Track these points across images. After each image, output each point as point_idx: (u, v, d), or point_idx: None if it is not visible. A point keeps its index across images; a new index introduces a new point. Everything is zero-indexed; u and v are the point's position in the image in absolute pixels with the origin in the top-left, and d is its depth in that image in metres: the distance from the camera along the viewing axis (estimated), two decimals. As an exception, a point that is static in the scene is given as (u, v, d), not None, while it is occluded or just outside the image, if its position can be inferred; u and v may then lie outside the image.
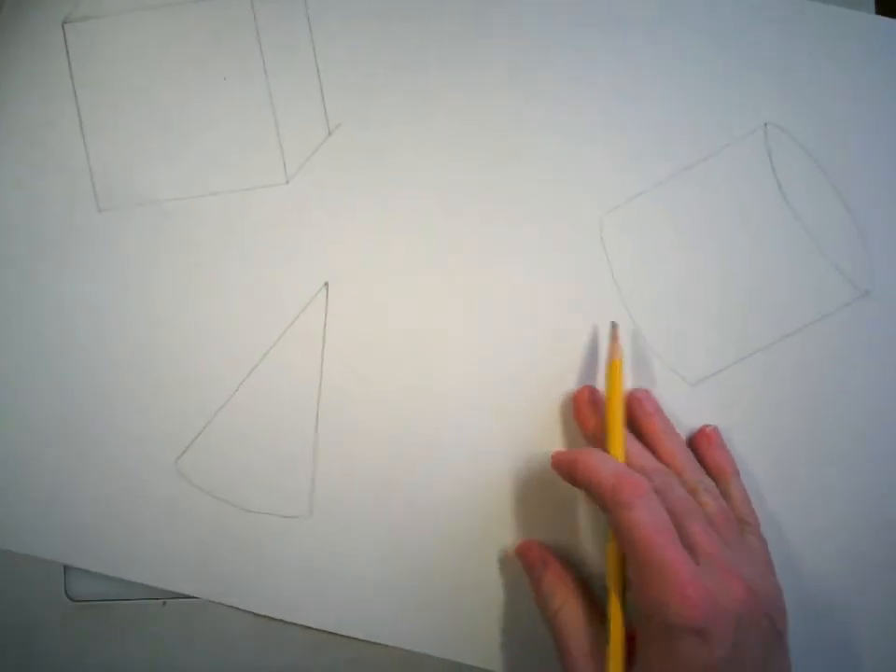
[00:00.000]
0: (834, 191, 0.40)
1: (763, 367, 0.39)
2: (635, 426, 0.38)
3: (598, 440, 0.37)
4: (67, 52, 0.39)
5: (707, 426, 0.39)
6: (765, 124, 0.40)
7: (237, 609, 0.38)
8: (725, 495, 0.37)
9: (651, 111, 0.40)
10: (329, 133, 0.39)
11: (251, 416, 0.39)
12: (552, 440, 0.39)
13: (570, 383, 0.39)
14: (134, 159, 0.39)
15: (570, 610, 0.35)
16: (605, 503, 0.33)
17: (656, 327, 0.39)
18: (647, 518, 0.32)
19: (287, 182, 0.39)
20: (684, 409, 0.39)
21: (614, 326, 0.38)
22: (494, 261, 0.39)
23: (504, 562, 0.39)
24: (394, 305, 0.39)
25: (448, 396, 0.39)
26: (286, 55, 0.39)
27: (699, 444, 0.38)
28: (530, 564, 0.37)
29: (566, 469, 0.35)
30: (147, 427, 0.38)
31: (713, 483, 0.36)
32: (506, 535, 0.39)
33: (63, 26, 0.39)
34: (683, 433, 0.39)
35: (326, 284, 0.39)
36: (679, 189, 0.40)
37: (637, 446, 0.36)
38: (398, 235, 0.39)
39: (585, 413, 0.38)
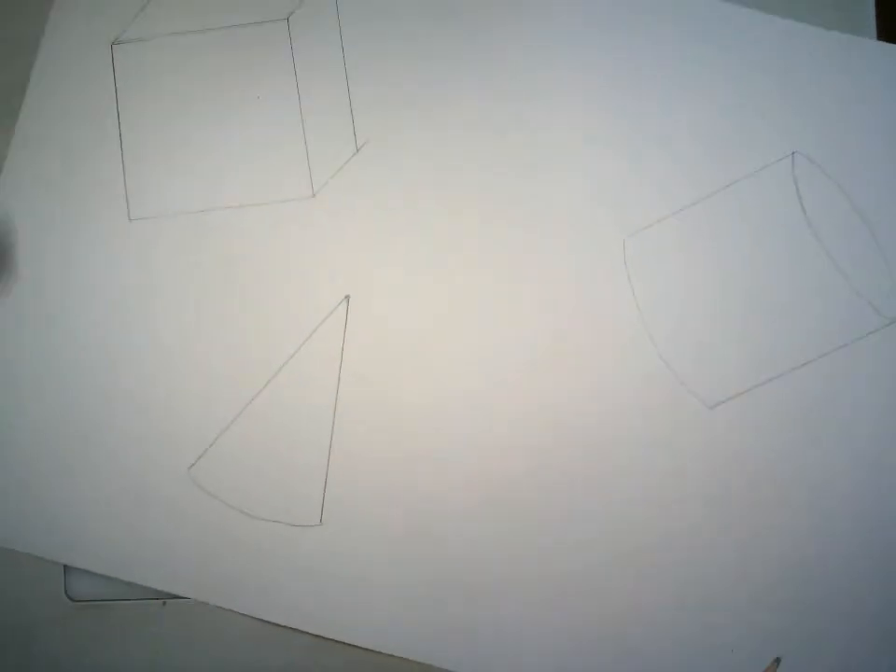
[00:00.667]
0: (861, 220, 0.39)
1: (784, 392, 0.38)
2: None
3: None
4: (114, 71, 0.41)
5: None
6: (793, 153, 0.40)
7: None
8: None
9: (678, 133, 0.40)
10: (357, 150, 0.40)
11: (266, 426, 0.39)
12: (563, 446, 0.38)
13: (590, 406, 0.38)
14: (168, 170, 0.40)
15: None
16: None
17: (676, 349, 0.39)
18: None
19: (314, 195, 0.40)
20: (701, 431, 0.38)
21: (777, 662, 0.37)
22: (516, 279, 0.39)
23: (519, 573, 0.38)
24: (413, 321, 0.39)
25: (463, 411, 0.38)
26: (318, 74, 0.40)
27: None
28: None
29: None
30: (159, 433, 0.39)
31: None
32: (518, 541, 0.38)
33: (111, 47, 0.41)
34: (698, 455, 0.38)
35: (347, 297, 0.39)
36: (703, 214, 0.40)
37: None
38: (418, 250, 0.40)
39: None
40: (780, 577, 0.38)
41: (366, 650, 0.37)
